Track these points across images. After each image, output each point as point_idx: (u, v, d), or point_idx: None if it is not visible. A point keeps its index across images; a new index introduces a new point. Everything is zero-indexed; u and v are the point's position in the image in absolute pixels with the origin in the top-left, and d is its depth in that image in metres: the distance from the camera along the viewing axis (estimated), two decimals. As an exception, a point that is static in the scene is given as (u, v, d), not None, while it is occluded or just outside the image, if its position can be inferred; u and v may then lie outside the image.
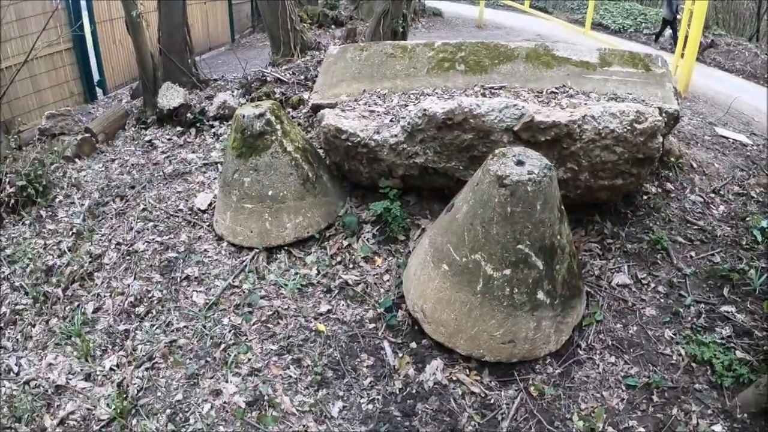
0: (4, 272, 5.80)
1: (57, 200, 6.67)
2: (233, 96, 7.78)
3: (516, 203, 3.90)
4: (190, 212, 6.02)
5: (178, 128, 7.73)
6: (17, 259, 5.88)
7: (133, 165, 7.19)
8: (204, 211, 5.99)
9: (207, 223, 5.79)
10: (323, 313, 4.76)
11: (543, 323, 4.14)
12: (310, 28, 9.21)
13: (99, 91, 10.62)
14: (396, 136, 4.92)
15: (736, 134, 7.53)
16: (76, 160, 7.52)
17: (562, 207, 4.18)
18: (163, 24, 8.51)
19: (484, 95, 5.32)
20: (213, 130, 7.52)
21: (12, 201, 6.50)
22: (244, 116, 5.12)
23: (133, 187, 6.64)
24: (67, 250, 5.77)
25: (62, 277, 5.48)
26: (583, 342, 4.46)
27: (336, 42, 10.73)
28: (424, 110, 4.75)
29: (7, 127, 8.33)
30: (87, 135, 7.82)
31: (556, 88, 5.33)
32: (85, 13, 10.16)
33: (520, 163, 4.02)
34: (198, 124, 7.61)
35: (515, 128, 4.66)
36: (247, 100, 7.66)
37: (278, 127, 5.20)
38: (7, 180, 6.56)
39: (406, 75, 5.87)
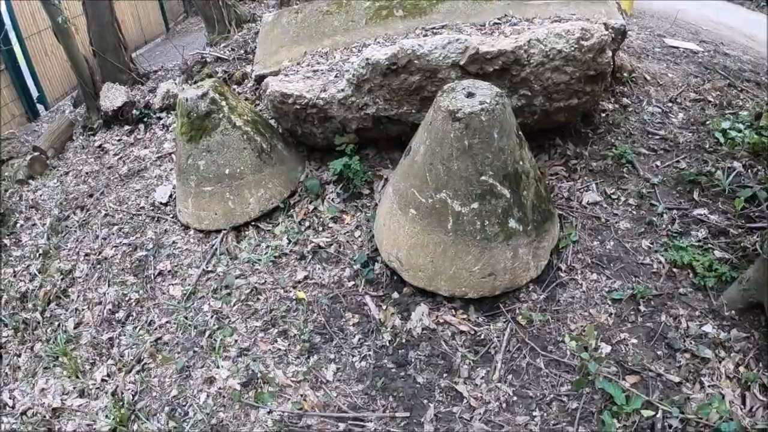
0: (-23, 309, 5.77)
1: (18, 225, 6.60)
2: (176, 84, 7.67)
3: (472, 135, 3.87)
4: (152, 208, 5.97)
5: (126, 127, 7.63)
6: (-11, 291, 5.84)
7: (87, 173, 7.11)
8: (166, 204, 5.94)
9: (171, 215, 5.75)
10: (300, 280, 4.76)
11: (520, 251, 4.14)
12: (241, 1, 9.03)
13: (40, 107, 10.42)
14: (343, 90, 4.86)
15: (685, 43, 7.52)
16: (30, 181, 7.42)
17: (520, 133, 4.15)
18: (92, 25, 8.30)
19: (425, 35, 5.25)
20: (161, 122, 7.42)
21: (-28, 235, 6.43)
22: (187, 99, 5.04)
23: (91, 196, 6.57)
24: (37, 273, 5.72)
25: (38, 301, 5.45)
26: (563, 264, 4.47)
27: (270, 10, 10.54)
28: (367, 59, 4.68)
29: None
30: (36, 153, 7.72)
31: (498, 19, 5.27)
32: (11, 31, 9.91)
33: (470, 95, 3.98)
34: (145, 119, 7.51)
35: (461, 63, 4.61)
36: (190, 86, 7.55)
37: (223, 103, 5.13)
38: (-37, 217, 6.48)
39: (345, 30, 5.77)
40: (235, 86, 7.13)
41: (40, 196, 7.04)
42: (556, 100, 4.81)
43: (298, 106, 4.99)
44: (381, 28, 5.64)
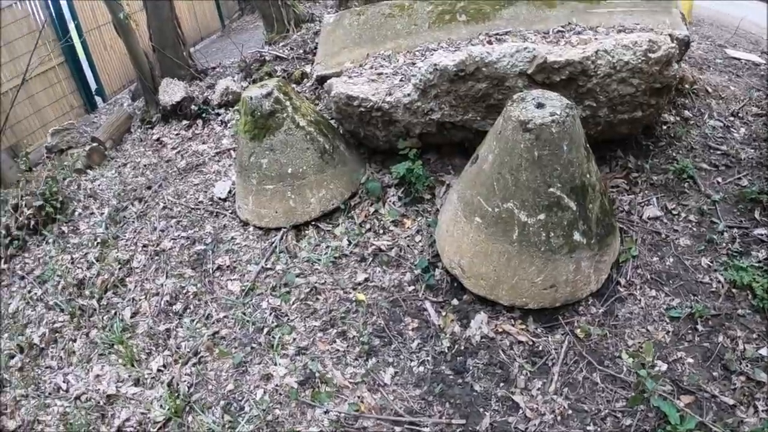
0: (36, 293, 5.88)
1: (76, 213, 6.71)
2: (234, 81, 7.74)
3: (542, 146, 3.83)
4: (210, 203, 6.02)
5: (184, 122, 7.73)
6: (47, 278, 5.95)
7: (145, 166, 7.21)
8: (224, 200, 5.99)
9: (230, 211, 5.79)
10: (361, 282, 4.74)
11: (582, 264, 4.09)
12: (299, 1, 9.10)
13: (98, 99, 10.67)
14: (409, 95, 4.84)
15: (747, 54, 7.34)
16: (88, 171, 7.56)
17: (587, 145, 4.09)
18: (152, 21, 8.45)
19: (490, 43, 5.22)
20: (220, 117, 7.49)
21: (32, 222, 6.56)
22: (251, 98, 5.08)
23: (149, 188, 6.66)
24: (95, 261, 5.81)
25: (95, 288, 5.53)
26: (622, 279, 4.41)
27: (329, 11, 10.60)
28: (435, 65, 4.66)
29: (14, 151, 8.39)
30: (95, 144, 7.86)
31: (562, 27, 5.22)
32: (71, 25, 10.15)
33: (540, 105, 3.94)
34: (203, 115, 7.59)
35: (529, 71, 4.57)
36: (249, 83, 7.62)
37: (287, 103, 5.15)
38: (24, 202, 6.61)
39: (408, 33, 5.77)
40: (294, 85, 7.17)
41: (98, 185, 7.16)
42: (621, 112, 4.74)
43: (362, 109, 4.99)
44: (444, 32, 5.62)
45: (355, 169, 5.37)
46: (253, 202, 5.28)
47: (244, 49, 8.23)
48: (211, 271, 5.21)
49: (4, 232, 6.61)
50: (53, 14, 9.83)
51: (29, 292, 5.98)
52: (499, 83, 4.66)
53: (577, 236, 4.02)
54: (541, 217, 3.96)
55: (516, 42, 4.91)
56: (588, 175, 4.03)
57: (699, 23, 9.06)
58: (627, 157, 5.28)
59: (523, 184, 3.93)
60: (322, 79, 5.80)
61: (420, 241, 4.91)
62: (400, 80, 5.02)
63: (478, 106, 4.83)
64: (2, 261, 6.55)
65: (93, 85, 10.64)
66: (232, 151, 6.73)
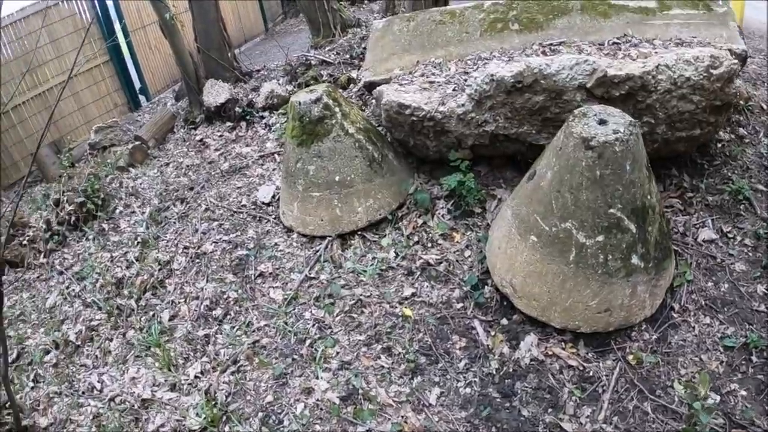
0: (74, 290, 5.80)
1: (117, 211, 6.65)
2: (280, 84, 7.64)
3: (605, 165, 3.65)
4: (254, 207, 5.90)
5: (228, 123, 7.64)
6: (86, 275, 5.87)
7: (188, 166, 7.12)
8: (268, 204, 5.86)
9: (273, 216, 5.66)
10: (408, 297, 4.57)
11: (638, 288, 3.90)
12: (345, 4, 8.98)
13: (142, 98, 10.67)
14: (463, 105, 4.66)
15: None
16: (131, 169, 7.51)
17: (649, 165, 3.91)
18: (198, 22, 8.40)
19: (545, 54, 5.03)
20: (264, 121, 7.39)
21: (73, 218, 6.50)
22: (300, 103, 4.94)
23: (191, 189, 6.57)
24: (134, 260, 5.71)
25: (133, 288, 5.43)
26: (676, 304, 4.20)
27: (375, 16, 10.49)
28: (491, 75, 4.49)
29: (57, 147, 8.38)
30: (138, 143, 7.81)
31: (618, 39, 5.01)
32: (117, 25, 10.18)
33: (602, 122, 3.76)
34: (247, 117, 7.50)
35: (588, 85, 4.37)
36: (294, 87, 7.51)
37: (337, 109, 5.01)
38: (65, 198, 6.56)
39: (459, 41, 5.60)
40: (340, 90, 7.04)
41: (140, 184, 7.09)
42: (679, 130, 4.51)
43: (414, 118, 4.82)
44: (496, 41, 5.44)
45: (403, 178, 5.21)
46: (298, 208, 5.14)
47: (289, 53, 8.12)
48: (252, 277, 5.07)
49: (44, 226, 6.57)
50: (99, 13, 9.86)
51: (67, 288, 5.91)
52: (556, 96, 4.47)
53: (635, 259, 3.83)
54: (600, 238, 3.78)
55: (573, 54, 4.71)
56: (649, 196, 3.84)
57: (749, 36, 8.73)
58: (682, 175, 5.04)
59: (582, 203, 3.75)
60: (370, 86, 5.66)
61: (469, 256, 4.73)
62: (453, 90, 4.84)
63: (534, 119, 4.64)
64: (42, 255, 6.51)
65: (137, 84, 10.65)
66: (276, 155, 6.61)
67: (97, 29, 9.88)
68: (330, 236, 5.07)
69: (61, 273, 6.12)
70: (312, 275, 4.92)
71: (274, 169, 6.36)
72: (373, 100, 5.63)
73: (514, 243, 4.15)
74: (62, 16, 9.36)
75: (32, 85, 8.98)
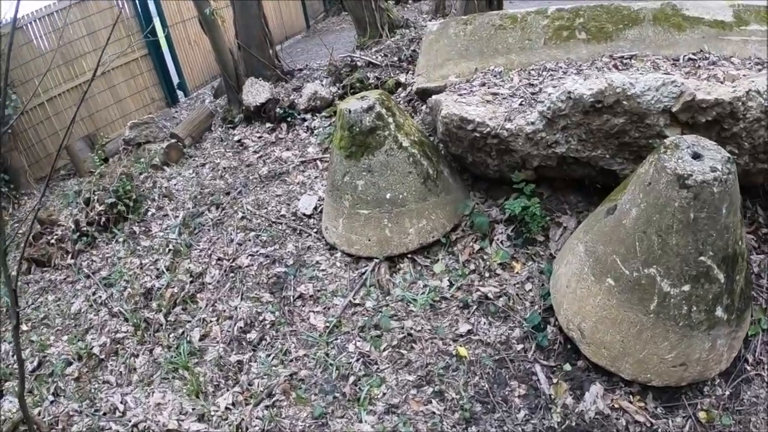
0: (101, 297, 5.33)
1: (149, 213, 6.16)
2: (323, 85, 7.09)
3: (700, 208, 3.11)
4: (294, 218, 5.36)
5: (268, 125, 7.12)
6: (113, 281, 5.40)
7: (225, 168, 6.61)
8: (309, 216, 5.31)
9: (314, 230, 5.12)
10: (463, 334, 3.99)
11: (718, 342, 3.40)
12: (394, 3, 8.35)
13: (180, 93, 10.17)
14: (533, 123, 4.05)
15: None
16: (165, 167, 7.03)
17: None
18: (239, 18, 7.86)
19: (616, 68, 4.43)
20: (306, 123, 6.85)
21: (103, 219, 6.04)
22: (350, 111, 4.38)
23: (228, 193, 6.05)
24: (165, 270, 5.21)
25: (163, 301, 4.94)
26: (750, 355, 3.68)
27: (423, 17, 9.88)
28: (569, 93, 3.87)
29: (92, 140, 7.93)
30: (173, 141, 7.33)
31: (693, 54, 4.40)
32: (156, 19, 9.71)
33: (697, 156, 3.20)
34: (289, 119, 6.96)
35: (673, 109, 3.77)
36: (338, 89, 6.95)
37: (390, 120, 4.43)
38: (96, 197, 6.09)
39: (521, 48, 5.00)
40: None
41: (174, 185, 6.60)
42: (762, 161, 3.90)
43: (477, 134, 4.22)
44: (561, 50, 4.84)
45: (459, 198, 4.62)
46: (343, 225, 4.58)
47: (333, 53, 7.54)
48: (291, 299, 4.53)
49: (73, 226, 6.11)
50: (138, 6, 9.38)
51: (94, 293, 5.45)
52: (638, 120, 3.86)
53: (719, 311, 3.31)
54: (686, 288, 3.24)
55: (654, 72, 4.08)
56: (740, 243, 3.32)
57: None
58: (755, 207, 4.42)
59: (671, 248, 3.21)
60: (423, 93, 5.10)
61: (531, 290, 4.14)
62: (520, 104, 4.24)
63: (610, 143, 4.03)
64: (69, 256, 6.05)
65: (175, 79, 10.16)
66: (318, 162, 6.06)
67: (136, 22, 9.41)
68: (377, 258, 4.50)
69: (88, 276, 5.65)
70: (356, 301, 4.36)
71: (316, 177, 5.82)
72: (427, 109, 5.05)
73: (587, 284, 3.59)
74: (101, 8, 8.90)
75: (68, 77, 8.55)
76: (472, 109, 4.26)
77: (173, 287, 5.01)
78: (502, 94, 4.47)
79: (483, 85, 4.70)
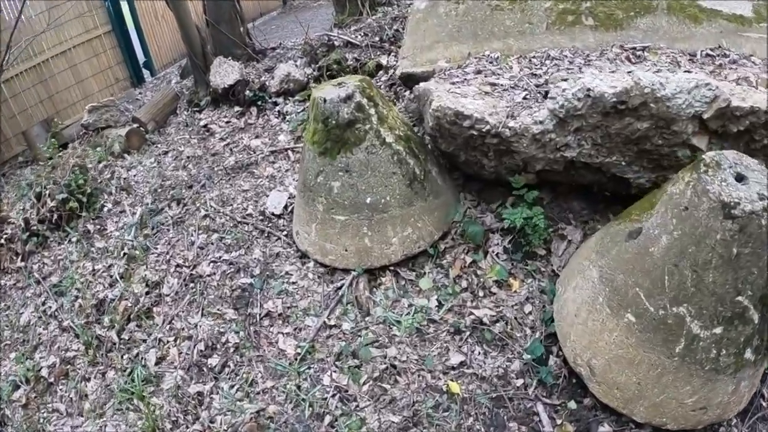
0: (51, 307, 4.64)
1: (105, 209, 5.43)
2: (297, 66, 6.33)
3: (745, 242, 2.54)
4: (261, 218, 4.67)
5: (237, 108, 6.36)
6: (64, 289, 4.71)
7: (188, 158, 5.87)
8: (279, 216, 4.63)
9: (284, 233, 4.44)
10: (455, 366, 3.35)
11: (742, 384, 2.92)
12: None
13: (146, 72, 9.26)
14: (541, 122, 3.36)
15: None
16: (125, 155, 6.29)
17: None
18: (208, -9, 7.04)
19: (629, 59, 3.76)
20: (277, 108, 6.10)
21: (55, 216, 5.30)
22: (325, 100, 3.66)
23: (190, 187, 5.33)
24: (119, 278, 4.53)
25: (116, 315, 4.27)
26: (766, 390, 3.22)
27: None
28: (588, 90, 3.19)
29: (49, 124, 7.13)
30: (135, 126, 6.57)
31: (711, 50, 3.74)
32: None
33: (740, 177, 2.63)
34: (259, 103, 6.21)
35: (705, 115, 3.14)
36: (314, 70, 6.21)
37: (372, 111, 3.73)
38: (47, 192, 5.35)
39: (520, 32, 4.28)
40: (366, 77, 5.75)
41: (134, 176, 5.86)
42: None
43: (474, 132, 3.53)
44: (566, 37, 4.14)
45: (448, 201, 3.96)
46: (316, 232, 3.91)
47: (310, 31, 6.77)
48: (258, 317, 3.87)
49: (23, 224, 5.36)
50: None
51: (43, 303, 4.76)
52: (664, 125, 3.21)
53: (748, 354, 2.82)
54: (718, 330, 2.71)
55: (685, 73, 3.41)
56: None
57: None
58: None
59: (706, 286, 2.64)
60: (408, 78, 4.40)
61: (530, 312, 3.51)
62: (524, 98, 3.55)
63: (628, 149, 3.39)
64: (19, 258, 5.33)
65: (141, 57, 9.25)
66: (290, 152, 5.36)
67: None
68: (355, 271, 3.84)
69: (38, 282, 4.95)
70: (332, 322, 3.71)
71: (287, 170, 5.12)
72: (412, 96, 4.36)
73: (601, 316, 2.99)
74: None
75: (26, 56, 7.67)
76: (469, 102, 3.55)
77: (127, 299, 4.34)
78: (502, 84, 3.77)
79: (479, 72, 4.00)
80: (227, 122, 6.31)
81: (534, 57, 4.00)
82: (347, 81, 3.82)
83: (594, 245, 3.23)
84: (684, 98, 3.06)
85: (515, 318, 3.46)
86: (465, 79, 3.87)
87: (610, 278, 2.97)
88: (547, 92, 3.40)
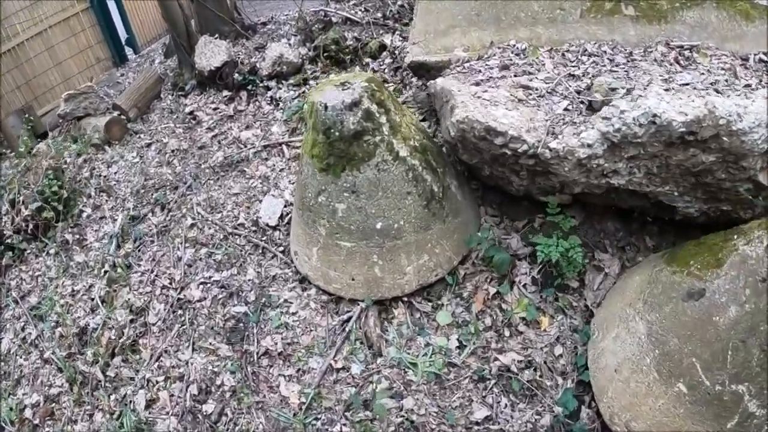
0: (30, 333, 4.22)
1: (84, 215, 4.96)
2: (290, 46, 5.75)
3: None
4: (254, 228, 4.20)
5: (225, 93, 5.81)
6: (44, 312, 4.30)
7: (173, 151, 5.36)
8: (274, 228, 4.15)
9: (281, 249, 3.96)
10: (479, 421, 2.92)
11: None
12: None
13: (129, 50, 8.55)
14: (590, 146, 2.79)
15: None
16: (106, 147, 5.78)
17: None
18: (191, -40, 6.38)
19: (678, 62, 3.20)
20: (269, 93, 5.55)
21: (30, 226, 4.82)
22: (326, 107, 3.09)
23: (176, 188, 4.85)
24: (100, 303, 4.08)
25: (99, 348, 3.85)
26: None
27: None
28: (654, 116, 2.64)
29: (26, 112, 6.58)
30: (115, 114, 6.03)
31: (765, 55, 3.17)
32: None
33: None
34: (249, 87, 5.65)
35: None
36: (309, 50, 5.63)
37: (383, 119, 3.17)
38: (21, 199, 4.86)
39: (551, 20, 3.68)
40: (369, 60, 5.20)
41: (114, 174, 5.37)
42: None
43: (508, 152, 2.99)
44: (603, 28, 3.56)
45: (468, 219, 3.46)
46: (318, 257, 3.43)
47: (304, 4, 6.12)
48: (255, 356, 3.43)
49: (-3, 235, 4.90)
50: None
51: (23, 329, 4.36)
52: (733, 161, 2.69)
53: None
54: None
55: (764, 100, 2.85)
56: None
57: None
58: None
59: None
60: (419, 67, 3.86)
61: (561, 355, 3.06)
62: (565, 109, 3.00)
63: (685, 180, 2.87)
64: (-4, 273, 4.89)
65: (123, 34, 8.51)
66: (284, 147, 4.84)
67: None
68: (363, 302, 3.38)
69: (16, 302, 4.52)
70: (339, 364, 3.26)
71: (281, 170, 4.62)
72: (421, 84, 3.79)
73: (647, 379, 2.59)
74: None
75: (-1, 40, 7.07)
76: (501, 114, 2.97)
77: (111, 328, 3.90)
78: (536, 88, 3.19)
79: (505, 68, 3.42)
80: (215, 109, 5.77)
81: (568, 51, 3.45)
82: (352, 81, 3.25)
83: (639, 290, 2.78)
84: (761, 133, 2.54)
85: (545, 362, 3.02)
86: (490, 77, 3.32)
87: (661, 340, 2.53)
88: (591, 102, 2.87)
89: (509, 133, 2.84)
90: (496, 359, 3.04)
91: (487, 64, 3.45)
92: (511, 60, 3.45)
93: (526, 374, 2.99)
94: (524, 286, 3.23)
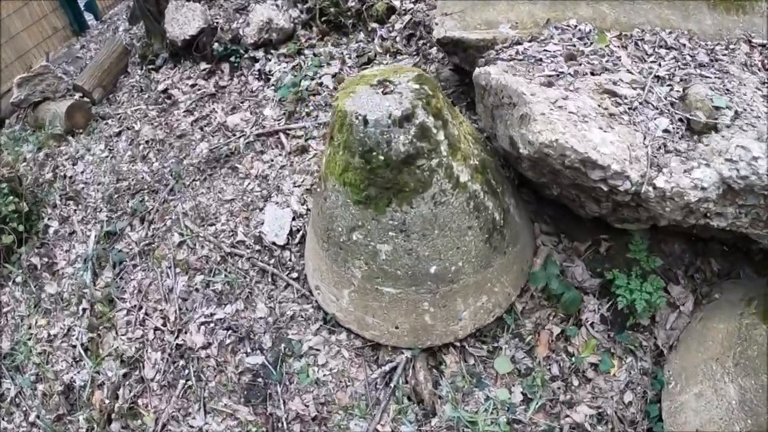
0: (9, 390, 3.59)
1: (51, 230, 4.25)
2: (279, 8, 4.91)
3: None
4: (257, 247, 3.53)
5: (203, 66, 5.02)
6: (20, 363, 3.65)
7: (148, 143, 4.63)
8: (283, 247, 3.49)
9: (294, 275, 3.32)
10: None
11: None
12: None
13: (89, 16, 7.49)
14: (704, 189, 2.17)
15: None
16: (69, 138, 5.04)
17: None
18: None
19: (765, 66, 2.63)
20: (257, 66, 4.77)
21: (-10, 249, 4.12)
22: (366, 121, 2.32)
23: (155, 192, 4.15)
24: (82, 352, 3.44)
25: (92, 412, 3.23)
26: None
27: None
28: None
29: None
30: (77, 97, 5.25)
31: None
32: None
33: None
34: (232, 58, 4.85)
35: None
36: (301, 12, 4.82)
37: (441, 136, 2.42)
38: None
39: (618, -4, 2.99)
40: (375, 25, 4.43)
41: (81, 173, 4.64)
42: None
43: (604, 187, 2.29)
44: (676, 12, 2.94)
45: (525, 243, 2.83)
46: (351, 300, 2.80)
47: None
48: (284, 421, 2.84)
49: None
50: None
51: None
52: None
53: None
54: None
55: None
56: None
57: None
58: None
59: None
60: (454, 44, 3.15)
61: (631, 403, 2.55)
62: (665, 131, 2.30)
63: None
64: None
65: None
66: (282, 136, 4.12)
67: None
68: (410, 350, 2.77)
69: (-13, 348, 3.87)
70: (387, 428, 2.69)
71: (282, 167, 3.92)
72: (477, 84, 3.02)
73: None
74: None
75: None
76: (599, 139, 2.20)
77: (101, 384, 3.28)
78: (625, 96, 2.47)
79: (572, 58, 2.71)
80: (192, 86, 5.01)
81: (642, 40, 2.81)
82: (395, 79, 2.46)
83: (727, 344, 2.41)
84: None
85: (614, 412, 2.51)
86: (559, 71, 2.62)
87: (756, 411, 2.17)
88: (689, 120, 2.23)
89: (612, 168, 2.17)
90: (567, 416, 2.50)
91: (546, 50, 2.76)
92: (575, 47, 2.76)
93: (598, 430, 2.45)
94: (591, 324, 2.67)
